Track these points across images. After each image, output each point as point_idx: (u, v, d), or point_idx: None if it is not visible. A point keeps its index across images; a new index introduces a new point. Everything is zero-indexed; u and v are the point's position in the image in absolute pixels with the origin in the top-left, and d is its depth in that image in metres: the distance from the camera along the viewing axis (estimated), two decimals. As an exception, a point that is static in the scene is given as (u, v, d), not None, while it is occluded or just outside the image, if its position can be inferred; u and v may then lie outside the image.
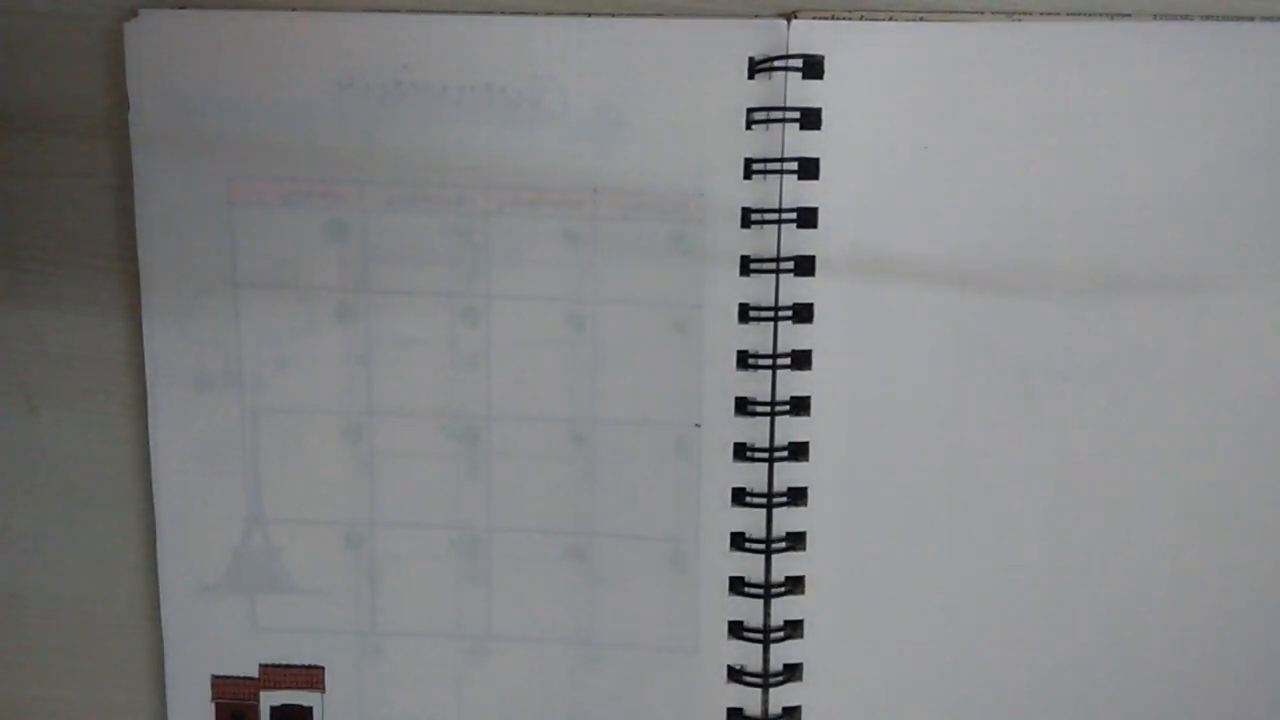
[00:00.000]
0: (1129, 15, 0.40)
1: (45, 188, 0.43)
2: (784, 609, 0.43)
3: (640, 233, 0.41)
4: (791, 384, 0.42)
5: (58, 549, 0.45)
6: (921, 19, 0.40)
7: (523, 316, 0.42)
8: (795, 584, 0.43)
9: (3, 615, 0.46)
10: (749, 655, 0.43)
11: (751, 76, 0.40)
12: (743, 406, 0.42)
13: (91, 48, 0.42)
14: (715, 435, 0.42)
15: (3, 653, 0.46)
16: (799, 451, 0.42)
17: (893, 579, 0.43)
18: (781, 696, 0.43)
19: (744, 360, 0.42)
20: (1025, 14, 0.40)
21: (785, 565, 0.43)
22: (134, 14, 0.41)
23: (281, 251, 0.42)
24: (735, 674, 0.43)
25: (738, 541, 0.43)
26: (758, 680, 0.43)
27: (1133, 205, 0.41)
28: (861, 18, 0.40)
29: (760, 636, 0.43)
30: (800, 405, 0.42)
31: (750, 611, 0.43)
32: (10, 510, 0.45)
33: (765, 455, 0.42)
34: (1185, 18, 0.40)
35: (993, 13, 0.40)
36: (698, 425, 0.42)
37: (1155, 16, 0.40)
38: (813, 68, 0.40)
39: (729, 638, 0.43)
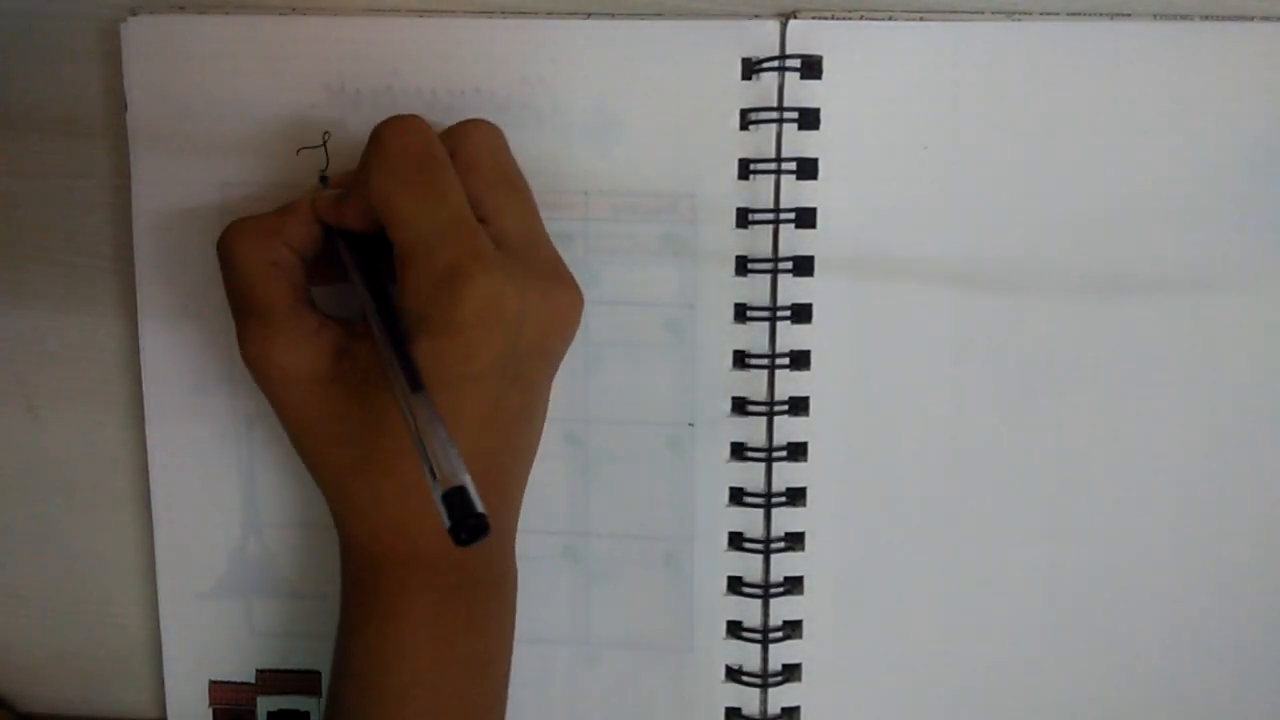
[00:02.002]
0: (1129, 15, 0.40)
1: (44, 188, 0.43)
2: (783, 609, 0.43)
3: (632, 234, 0.41)
4: (790, 384, 0.42)
5: (58, 549, 0.46)
6: (921, 19, 0.40)
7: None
8: (794, 584, 0.43)
9: (3, 615, 0.46)
10: (747, 655, 0.43)
11: (747, 77, 0.40)
12: (741, 406, 0.42)
13: (89, 49, 0.42)
14: (710, 435, 0.42)
15: (3, 653, 0.47)
16: (798, 451, 0.42)
17: (892, 579, 0.43)
18: (780, 697, 0.43)
19: (742, 360, 0.42)
20: (1025, 14, 0.40)
21: (784, 565, 0.43)
22: (131, 15, 0.41)
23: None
24: (733, 674, 0.43)
25: (736, 541, 0.43)
26: (756, 680, 0.43)
27: (1133, 205, 0.41)
28: (861, 18, 0.40)
29: (759, 636, 0.43)
30: (799, 405, 0.42)
31: (749, 611, 0.43)
32: (10, 510, 0.46)
33: (763, 455, 0.42)
34: (1185, 18, 0.40)
35: (993, 12, 0.40)
36: (691, 425, 0.42)
37: (1155, 16, 0.40)
38: (811, 68, 0.40)
39: (727, 637, 0.43)
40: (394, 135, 0.35)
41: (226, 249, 0.37)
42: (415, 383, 0.32)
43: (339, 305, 0.40)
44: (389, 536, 0.37)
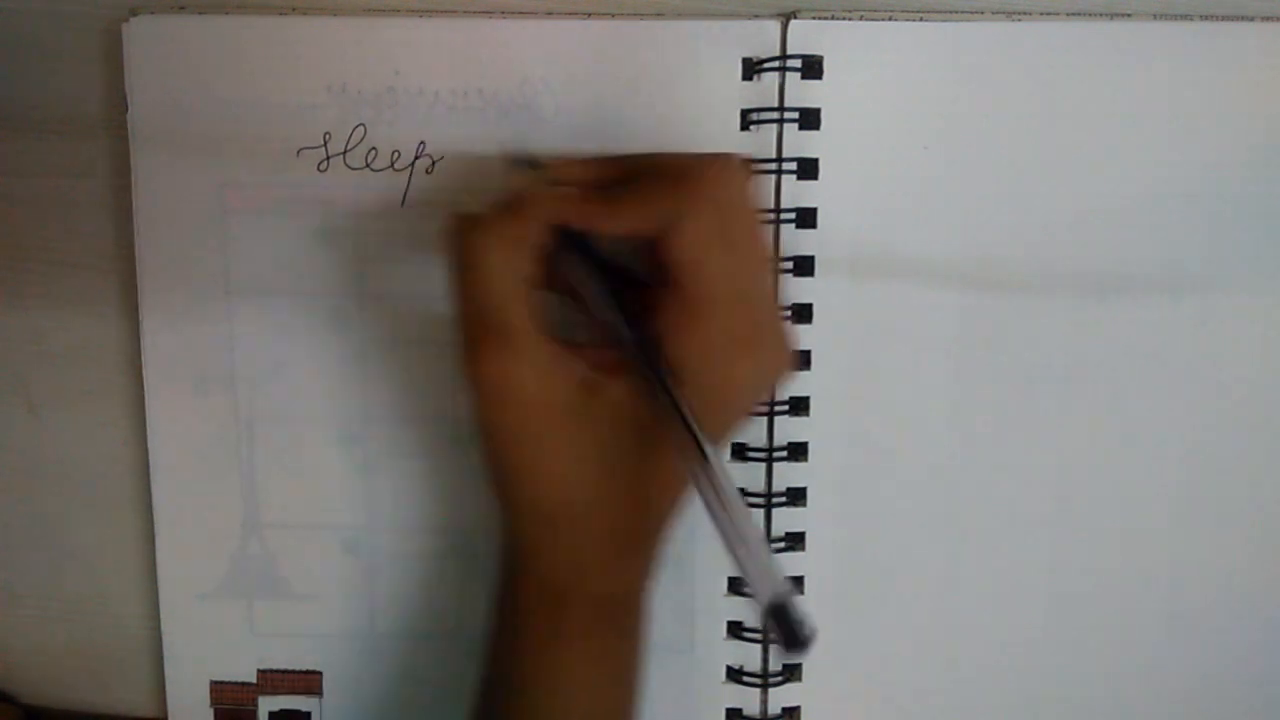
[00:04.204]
0: (1129, 15, 0.40)
1: (45, 188, 0.43)
2: (783, 609, 0.43)
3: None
4: (790, 384, 0.42)
5: (58, 549, 0.46)
6: (921, 19, 0.40)
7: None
8: (794, 584, 0.43)
9: (3, 615, 0.46)
10: (748, 655, 0.43)
11: (748, 77, 0.40)
12: (742, 406, 0.42)
13: (90, 49, 0.42)
14: (713, 436, 0.42)
15: (7, 650, 0.47)
16: (798, 451, 0.42)
17: (891, 579, 0.43)
18: (780, 696, 0.43)
19: (743, 360, 0.42)
20: (1025, 14, 0.40)
21: (784, 565, 0.43)
22: (131, 15, 0.41)
23: (275, 256, 0.42)
24: (734, 674, 0.43)
25: (737, 541, 0.43)
26: (757, 680, 0.43)
27: (1133, 205, 0.41)
28: (861, 18, 0.40)
29: (759, 636, 0.43)
30: (799, 405, 0.42)
31: (749, 611, 0.43)
32: (10, 510, 0.45)
33: (763, 455, 0.42)
34: (1185, 18, 0.40)
35: (993, 13, 0.40)
36: (693, 426, 0.42)
37: (1155, 16, 0.40)
38: (812, 68, 0.40)
39: (728, 637, 0.43)
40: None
41: (474, 257, 0.33)
42: (704, 452, 0.31)
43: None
44: (581, 575, 0.35)
